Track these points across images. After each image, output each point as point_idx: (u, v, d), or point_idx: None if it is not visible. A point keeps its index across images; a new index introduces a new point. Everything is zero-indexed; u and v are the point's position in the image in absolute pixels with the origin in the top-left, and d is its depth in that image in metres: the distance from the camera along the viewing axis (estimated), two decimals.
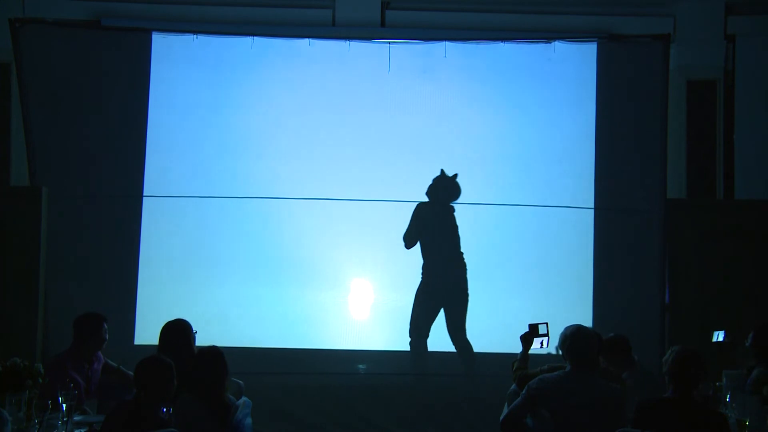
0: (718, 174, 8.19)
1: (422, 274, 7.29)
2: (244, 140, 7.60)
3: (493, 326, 7.25)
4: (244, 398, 4.65)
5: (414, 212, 7.32)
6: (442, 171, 7.37)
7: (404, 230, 7.34)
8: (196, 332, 5.10)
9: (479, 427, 6.55)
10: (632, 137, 7.52)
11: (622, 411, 4.42)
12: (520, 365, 5.18)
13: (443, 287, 7.24)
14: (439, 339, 7.26)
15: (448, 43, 7.55)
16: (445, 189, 7.38)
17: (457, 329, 7.18)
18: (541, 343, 5.25)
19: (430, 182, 7.39)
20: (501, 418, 4.60)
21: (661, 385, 5.28)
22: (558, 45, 7.55)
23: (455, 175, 7.38)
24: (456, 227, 7.35)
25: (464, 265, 7.30)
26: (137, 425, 4.01)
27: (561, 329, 4.64)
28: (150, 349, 5.22)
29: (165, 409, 4.11)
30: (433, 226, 7.31)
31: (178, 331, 5.07)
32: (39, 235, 6.89)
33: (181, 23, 7.86)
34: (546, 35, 7.71)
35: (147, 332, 6.53)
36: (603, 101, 7.69)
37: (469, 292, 7.39)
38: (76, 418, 4.65)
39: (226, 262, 7.49)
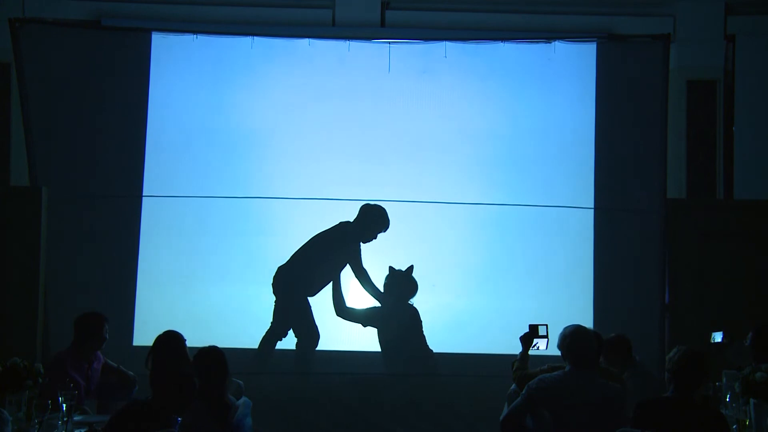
0: (718, 174, 8.20)
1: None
2: (244, 140, 7.60)
3: (493, 326, 7.25)
4: (244, 398, 4.65)
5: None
6: (390, 268, 7.16)
7: (404, 230, 7.34)
8: (185, 340, 5.15)
9: (479, 427, 6.54)
10: (632, 137, 7.51)
11: (622, 411, 4.42)
12: (520, 365, 5.18)
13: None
14: (438, 339, 7.25)
15: (448, 43, 7.54)
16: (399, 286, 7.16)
17: None
18: (538, 345, 5.25)
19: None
20: (501, 418, 4.60)
21: (661, 385, 5.28)
22: (558, 45, 7.54)
23: (410, 269, 7.16)
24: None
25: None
26: (145, 429, 4.00)
27: (561, 329, 4.64)
28: (148, 350, 5.23)
29: (173, 416, 4.10)
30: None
31: (172, 342, 5.10)
32: (39, 236, 6.89)
33: (181, 23, 7.87)
34: (546, 35, 7.71)
35: (146, 333, 6.52)
36: (603, 101, 7.69)
37: (469, 291, 7.42)
38: (76, 418, 4.66)
39: (225, 262, 7.48)
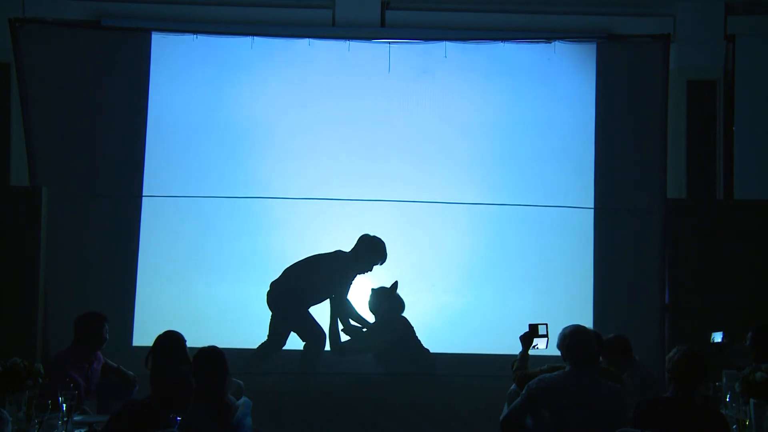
0: (718, 174, 8.20)
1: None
2: (244, 140, 7.60)
3: (493, 326, 7.25)
4: (244, 398, 4.66)
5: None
6: (372, 290, 7.13)
7: (404, 230, 7.34)
8: (185, 340, 5.17)
9: (479, 427, 6.55)
10: (632, 137, 7.51)
11: (622, 411, 4.43)
12: (519, 365, 5.19)
13: None
14: (438, 339, 7.25)
15: (448, 43, 7.54)
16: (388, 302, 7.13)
17: None
18: (537, 345, 5.25)
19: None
20: (501, 418, 4.61)
21: (661, 385, 5.28)
22: (558, 45, 7.54)
23: (394, 285, 7.13)
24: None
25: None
26: (144, 429, 4.00)
27: (561, 329, 4.64)
28: (148, 350, 5.23)
29: (172, 415, 4.10)
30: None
31: (172, 341, 5.10)
32: (39, 235, 6.88)
33: (181, 23, 7.87)
34: (546, 35, 7.71)
35: (146, 333, 6.52)
36: (603, 101, 7.69)
37: (469, 291, 7.43)
38: (76, 418, 4.65)
39: (225, 262, 7.48)
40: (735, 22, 8.22)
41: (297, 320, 7.04)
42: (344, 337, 7.10)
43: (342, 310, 7.04)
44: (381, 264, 7.10)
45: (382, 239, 7.07)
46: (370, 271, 7.11)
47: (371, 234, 7.08)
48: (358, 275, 7.08)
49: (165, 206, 7.45)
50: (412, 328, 7.11)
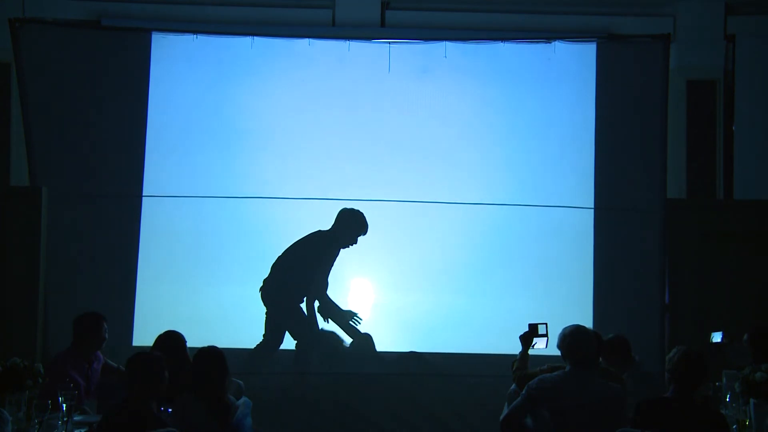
0: (718, 174, 8.20)
1: None
2: (244, 140, 7.60)
3: (492, 326, 7.25)
4: (244, 398, 4.66)
5: None
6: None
7: (404, 230, 7.35)
8: (185, 340, 5.19)
9: (479, 427, 6.55)
10: (632, 137, 7.51)
11: (621, 411, 4.43)
12: (519, 365, 5.19)
13: None
14: (438, 339, 7.26)
15: (448, 43, 7.55)
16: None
17: None
18: (537, 344, 5.25)
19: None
20: (501, 418, 4.61)
21: (661, 386, 5.28)
22: (558, 45, 7.54)
23: None
24: None
25: None
26: (134, 425, 4.00)
27: (561, 329, 4.64)
28: (148, 350, 5.23)
29: (163, 408, 4.09)
30: None
31: (172, 341, 5.11)
32: (39, 235, 6.90)
33: (181, 23, 7.87)
34: (546, 35, 7.71)
35: (145, 333, 6.52)
36: (603, 101, 7.68)
37: (469, 291, 7.44)
38: (76, 418, 4.66)
39: (225, 262, 7.48)
40: (735, 22, 8.22)
41: (289, 315, 7.04)
42: (320, 324, 7.12)
43: (321, 288, 7.06)
44: (363, 235, 7.12)
45: (361, 211, 7.12)
46: (355, 243, 7.12)
47: (349, 208, 7.15)
48: (341, 250, 7.11)
49: (165, 206, 7.45)
50: (372, 344, 7.10)
